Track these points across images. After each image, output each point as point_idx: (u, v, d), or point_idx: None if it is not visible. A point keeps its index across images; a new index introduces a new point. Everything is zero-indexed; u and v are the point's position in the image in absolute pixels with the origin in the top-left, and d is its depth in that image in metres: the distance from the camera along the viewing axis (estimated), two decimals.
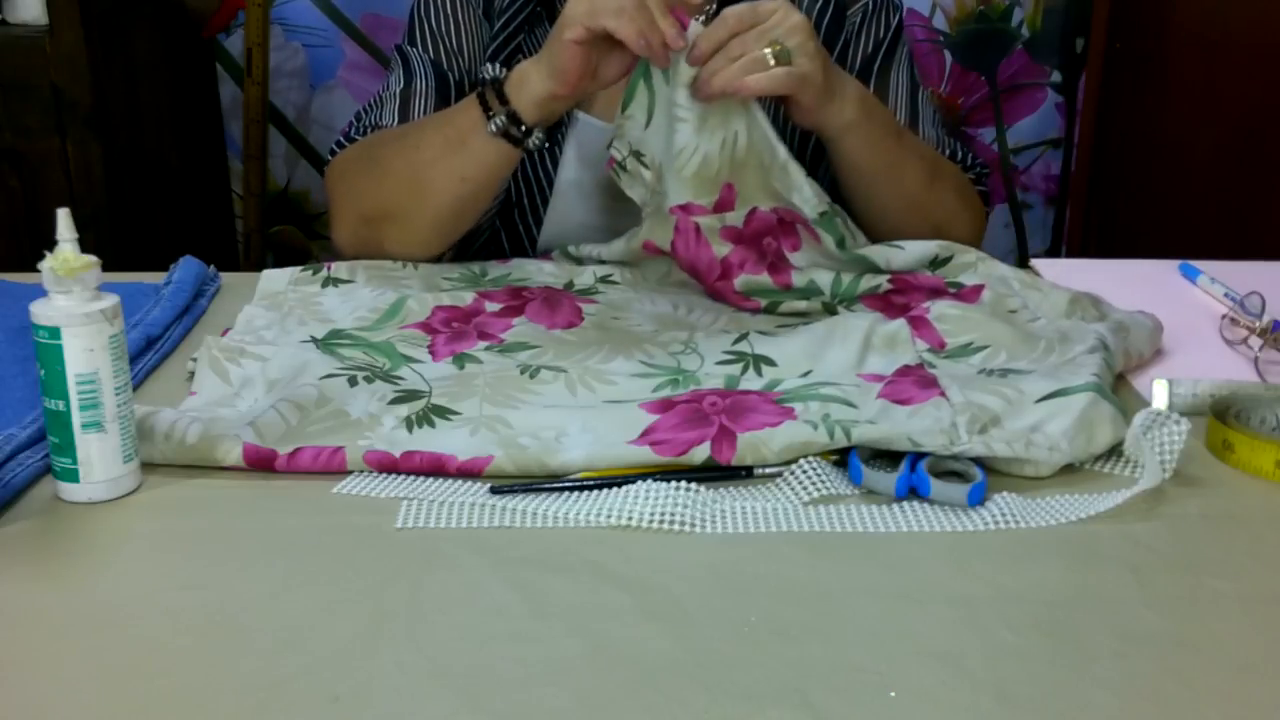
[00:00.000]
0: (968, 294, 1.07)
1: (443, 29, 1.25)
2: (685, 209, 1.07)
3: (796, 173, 1.05)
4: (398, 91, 1.25)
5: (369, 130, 1.24)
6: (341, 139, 1.25)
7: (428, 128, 1.16)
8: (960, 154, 1.26)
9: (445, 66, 1.25)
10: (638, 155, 1.07)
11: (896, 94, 1.27)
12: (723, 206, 1.08)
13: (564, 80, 1.06)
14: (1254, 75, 2.09)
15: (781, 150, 1.05)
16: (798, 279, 1.09)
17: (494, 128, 1.10)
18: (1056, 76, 2.61)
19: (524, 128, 1.10)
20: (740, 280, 1.09)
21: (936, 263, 1.10)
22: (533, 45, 1.25)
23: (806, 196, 1.06)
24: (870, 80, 1.26)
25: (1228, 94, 2.18)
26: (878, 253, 1.09)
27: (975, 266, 1.09)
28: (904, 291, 1.07)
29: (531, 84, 1.08)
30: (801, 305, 1.09)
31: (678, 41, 1.01)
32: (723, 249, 1.09)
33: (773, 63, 1.02)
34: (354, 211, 1.20)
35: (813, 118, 1.09)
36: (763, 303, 1.09)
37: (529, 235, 1.27)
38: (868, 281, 1.08)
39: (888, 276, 1.08)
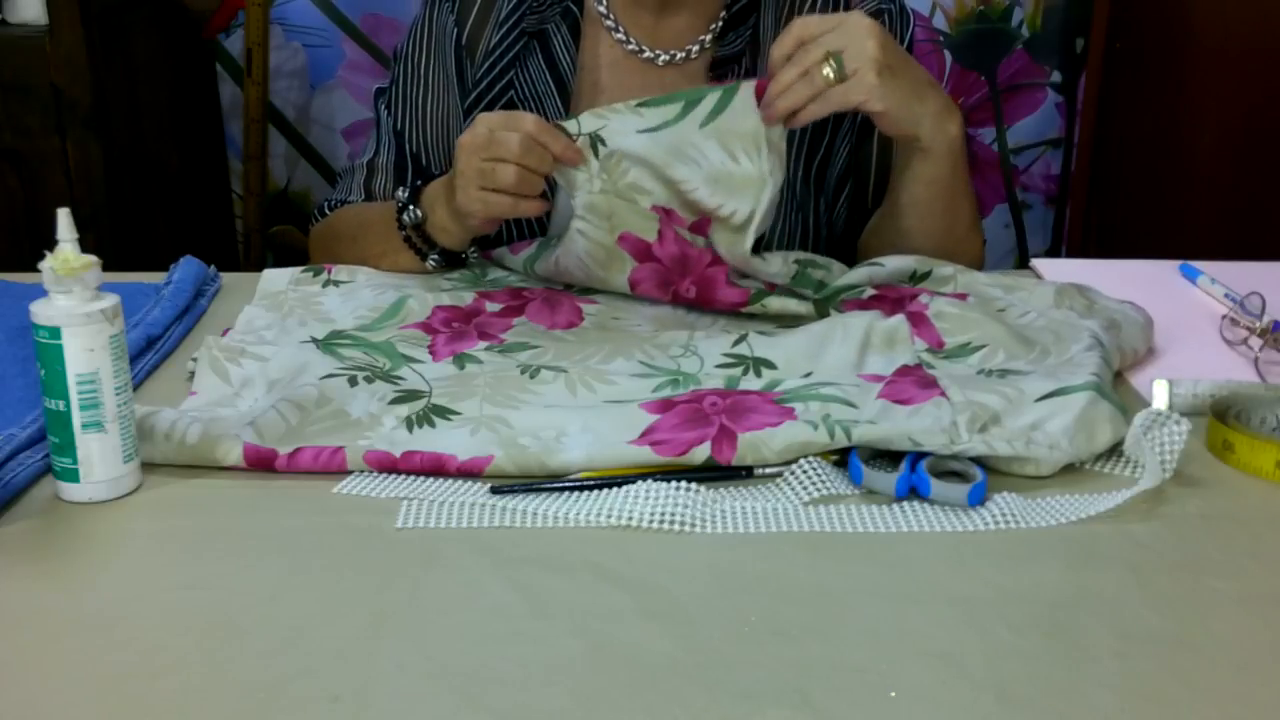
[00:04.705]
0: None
1: (412, 95, 1.28)
2: (669, 214, 1.05)
3: (755, 258, 1.05)
4: (365, 163, 1.30)
5: (340, 204, 1.28)
6: (319, 210, 1.30)
7: (373, 235, 1.19)
8: None
9: (406, 137, 1.28)
10: (597, 140, 1.03)
11: None
12: (697, 229, 1.06)
13: (481, 232, 1.12)
14: (1254, 75, 2.09)
15: (750, 240, 1.03)
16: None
17: (431, 264, 1.15)
18: (1056, 76, 2.61)
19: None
20: (730, 270, 1.07)
21: (915, 277, 1.09)
22: (524, 81, 1.24)
23: (774, 271, 1.06)
24: None
25: (1228, 94, 2.17)
26: (859, 275, 1.08)
27: (954, 279, 1.08)
28: (885, 298, 1.06)
29: (451, 232, 1.12)
30: (793, 304, 1.07)
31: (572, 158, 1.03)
32: (700, 241, 1.06)
33: (830, 75, 0.99)
34: None
35: (894, 125, 1.06)
36: (751, 290, 1.07)
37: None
38: (850, 290, 1.07)
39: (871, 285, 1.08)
